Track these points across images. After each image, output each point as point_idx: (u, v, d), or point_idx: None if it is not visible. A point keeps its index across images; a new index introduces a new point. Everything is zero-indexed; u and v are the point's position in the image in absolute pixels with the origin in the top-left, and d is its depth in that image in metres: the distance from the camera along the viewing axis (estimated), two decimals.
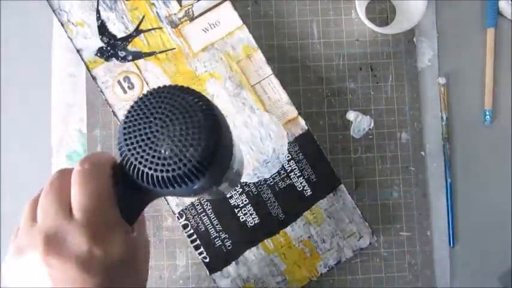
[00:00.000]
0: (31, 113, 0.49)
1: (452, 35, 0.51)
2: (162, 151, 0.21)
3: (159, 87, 0.23)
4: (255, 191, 0.44)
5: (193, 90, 0.23)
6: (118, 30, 0.45)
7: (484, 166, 0.49)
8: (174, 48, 0.45)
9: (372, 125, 0.48)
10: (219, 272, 0.43)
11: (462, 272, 0.48)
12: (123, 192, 0.23)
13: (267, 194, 0.44)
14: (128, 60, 0.45)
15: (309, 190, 0.44)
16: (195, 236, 0.43)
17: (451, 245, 0.48)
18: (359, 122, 0.48)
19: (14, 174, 0.48)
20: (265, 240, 0.44)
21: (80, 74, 0.49)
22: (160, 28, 0.45)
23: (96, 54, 0.45)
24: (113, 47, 0.45)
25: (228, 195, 0.44)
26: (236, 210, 0.44)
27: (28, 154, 0.48)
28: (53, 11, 0.45)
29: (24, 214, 0.24)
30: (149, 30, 0.45)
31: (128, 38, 0.45)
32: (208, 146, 0.21)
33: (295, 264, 0.44)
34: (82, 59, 0.45)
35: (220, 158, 0.23)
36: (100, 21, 0.45)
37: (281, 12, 0.49)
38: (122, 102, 0.45)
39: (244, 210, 0.44)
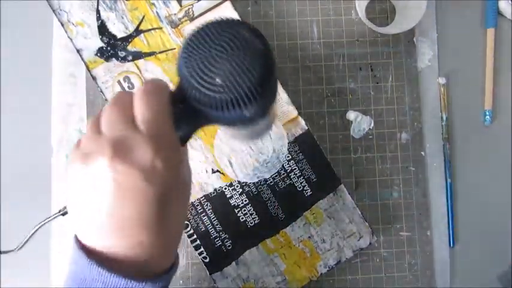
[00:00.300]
0: (31, 113, 0.49)
1: (452, 35, 0.51)
2: (222, 73, 0.23)
3: (217, 20, 0.24)
4: (255, 191, 0.44)
5: (250, 24, 0.25)
6: (118, 30, 0.45)
7: (484, 166, 0.49)
8: (174, 48, 0.45)
9: (372, 125, 0.48)
10: (219, 272, 0.43)
11: (462, 272, 0.48)
12: (177, 115, 0.25)
13: (267, 194, 0.44)
14: (128, 60, 0.45)
15: (309, 190, 0.44)
16: (195, 236, 0.43)
17: (451, 245, 0.48)
18: (359, 122, 0.48)
19: (14, 174, 0.48)
20: (265, 240, 0.44)
21: (80, 74, 0.49)
22: (161, 28, 0.45)
23: (96, 54, 0.45)
24: (113, 47, 0.45)
25: (228, 195, 0.44)
26: (236, 210, 0.44)
27: (28, 154, 0.48)
28: (53, 11, 0.45)
29: (88, 127, 0.25)
30: (149, 30, 0.45)
31: (128, 38, 0.45)
32: (264, 74, 0.23)
33: (295, 264, 0.44)
34: (82, 59, 0.45)
35: (270, 88, 0.25)
36: (100, 21, 0.45)
37: (281, 12, 0.49)
38: None
39: (244, 210, 0.44)
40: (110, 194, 0.23)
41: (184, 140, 0.27)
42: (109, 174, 0.23)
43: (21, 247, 0.33)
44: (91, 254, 0.25)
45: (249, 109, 0.24)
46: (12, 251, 0.33)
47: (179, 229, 0.29)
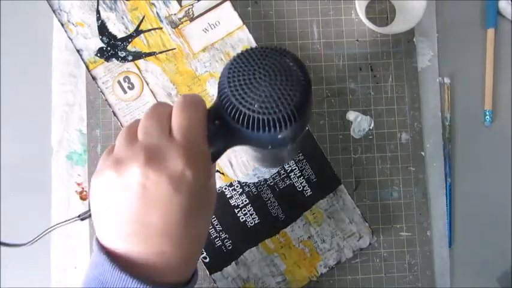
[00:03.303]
0: (31, 113, 0.49)
1: (452, 35, 0.51)
2: (262, 95, 0.24)
3: (263, 46, 0.26)
4: (255, 191, 0.44)
5: (293, 53, 0.26)
6: (118, 30, 0.45)
7: (484, 166, 0.49)
8: (174, 48, 0.45)
9: (372, 125, 0.48)
10: (219, 272, 0.43)
11: (462, 272, 0.48)
12: (212, 131, 0.26)
13: (267, 194, 0.44)
14: (128, 61, 0.45)
15: (309, 190, 0.44)
16: None
17: (451, 245, 0.48)
18: (359, 122, 0.48)
19: (14, 174, 0.48)
20: (265, 240, 0.44)
21: (80, 74, 0.49)
22: (161, 28, 0.45)
23: (96, 55, 0.45)
24: (113, 47, 0.45)
25: (228, 195, 0.44)
26: (236, 211, 0.44)
27: (28, 154, 0.48)
28: (53, 11, 0.45)
29: (122, 134, 0.26)
30: (149, 30, 0.45)
31: (128, 38, 0.45)
32: (302, 99, 0.24)
33: (295, 265, 0.44)
34: (82, 59, 0.45)
35: (306, 114, 0.26)
36: (100, 21, 0.45)
37: (281, 13, 0.49)
38: (122, 103, 0.45)
39: (244, 210, 0.44)
40: (138, 201, 0.24)
41: (215, 157, 0.27)
42: (140, 181, 0.23)
43: (32, 243, 0.33)
44: (112, 257, 0.25)
45: (283, 132, 0.25)
46: (23, 245, 0.32)
47: (201, 241, 0.29)
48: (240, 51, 0.26)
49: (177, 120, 0.25)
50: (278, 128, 0.24)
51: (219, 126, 0.26)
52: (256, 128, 0.24)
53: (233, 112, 0.24)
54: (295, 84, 0.24)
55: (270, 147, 0.27)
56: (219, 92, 0.25)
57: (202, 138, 0.25)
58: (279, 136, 0.25)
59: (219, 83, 0.25)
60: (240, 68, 0.25)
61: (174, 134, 0.25)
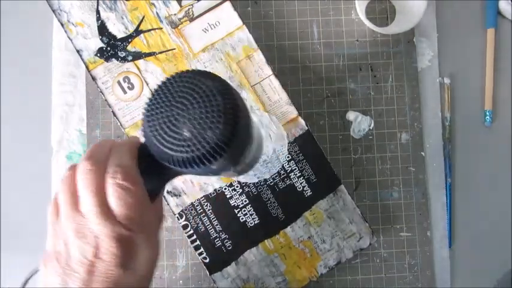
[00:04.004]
0: (31, 113, 0.49)
1: (452, 35, 0.51)
2: (183, 133, 0.22)
3: (180, 72, 0.24)
4: (255, 192, 0.44)
5: (213, 74, 0.24)
6: (118, 30, 0.45)
7: (484, 166, 0.49)
8: (174, 49, 0.45)
9: (372, 125, 0.48)
10: (219, 273, 0.43)
11: (462, 272, 0.48)
12: (146, 171, 0.25)
13: (267, 195, 0.44)
14: (128, 61, 0.45)
15: (309, 190, 0.44)
16: (195, 237, 0.43)
17: (451, 246, 0.48)
18: (359, 123, 0.48)
19: (14, 174, 0.48)
20: (265, 241, 0.44)
21: (80, 74, 0.49)
22: (160, 28, 0.45)
23: (96, 55, 0.45)
24: (112, 48, 0.45)
25: (228, 196, 0.44)
26: (236, 211, 0.44)
27: (28, 154, 0.48)
28: (53, 11, 0.45)
29: (50, 212, 0.27)
30: (149, 30, 0.45)
31: (128, 39, 0.45)
32: (226, 129, 0.22)
33: (295, 265, 0.44)
34: (82, 59, 0.45)
35: (238, 140, 0.24)
36: (100, 21, 0.45)
37: (281, 13, 0.49)
38: (121, 103, 0.45)
39: (244, 210, 0.44)
40: None
41: (154, 194, 0.26)
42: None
43: None
44: None
45: (216, 164, 0.23)
46: None
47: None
48: (157, 84, 0.24)
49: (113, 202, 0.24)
50: (207, 163, 0.23)
51: (150, 164, 0.24)
52: (184, 166, 0.23)
53: (158, 153, 0.23)
54: (217, 112, 0.22)
55: (211, 174, 0.26)
56: (142, 132, 0.24)
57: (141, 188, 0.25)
58: (213, 167, 0.24)
59: (142, 123, 0.24)
60: (158, 105, 0.23)
61: (83, 211, 0.24)
